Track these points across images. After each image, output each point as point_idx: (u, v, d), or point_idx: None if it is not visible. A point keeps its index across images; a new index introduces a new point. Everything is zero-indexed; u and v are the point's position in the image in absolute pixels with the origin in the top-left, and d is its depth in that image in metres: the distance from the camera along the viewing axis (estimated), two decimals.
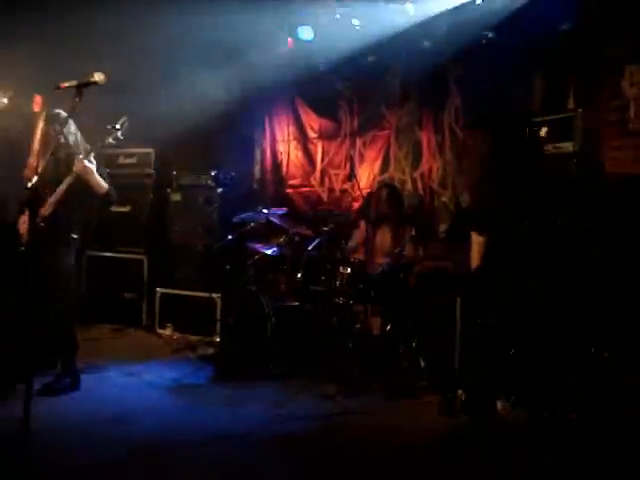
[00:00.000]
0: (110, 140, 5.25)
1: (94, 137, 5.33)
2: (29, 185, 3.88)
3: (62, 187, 5.14)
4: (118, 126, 5.26)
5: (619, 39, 5.76)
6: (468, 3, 6.49)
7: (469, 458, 4.10)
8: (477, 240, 4.21)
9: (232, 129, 8.68)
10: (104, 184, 5.36)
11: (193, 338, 7.44)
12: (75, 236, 5.34)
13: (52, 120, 5.24)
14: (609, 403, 4.35)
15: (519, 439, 4.29)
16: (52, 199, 5.12)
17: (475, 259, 4.22)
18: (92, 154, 5.18)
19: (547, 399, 4.28)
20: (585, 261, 4.29)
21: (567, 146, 5.16)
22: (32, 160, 5.26)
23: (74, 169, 5.13)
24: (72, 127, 5.31)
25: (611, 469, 3.86)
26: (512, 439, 4.31)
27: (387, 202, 6.70)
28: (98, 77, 4.04)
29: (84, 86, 3.98)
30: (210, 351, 6.90)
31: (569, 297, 4.40)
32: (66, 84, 4.02)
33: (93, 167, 5.20)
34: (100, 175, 5.33)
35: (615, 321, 4.70)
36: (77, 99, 3.95)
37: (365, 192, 7.44)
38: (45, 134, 5.25)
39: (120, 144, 8.08)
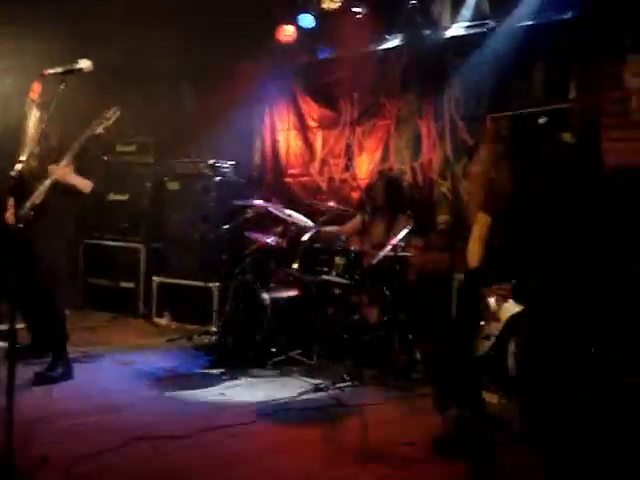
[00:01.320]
0: (100, 130, 5.17)
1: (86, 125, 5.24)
2: (13, 173, 3.82)
3: (41, 190, 5.07)
4: (109, 115, 5.19)
5: (622, 29, 5.67)
6: None
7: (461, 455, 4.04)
8: (481, 222, 4.14)
9: (232, 118, 8.62)
10: (85, 184, 5.28)
11: (190, 327, 7.39)
12: (65, 227, 5.30)
13: (44, 106, 5.17)
14: (609, 403, 4.29)
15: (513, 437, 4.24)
16: (34, 199, 5.06)
17: (474, 247, 4.14)
18: (68, 157, 5.09)
19: (547, 399, 4.22)
20: (585, 257, 4.22)
21: (566, 137, 5.08)
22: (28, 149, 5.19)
23: (53, 175, 5.07)
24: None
25: (610, 469, 3.81)
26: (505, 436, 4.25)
27: (384, 194, 6.65)
28: (84, 64, 3.96)
29: (70, 72, 3.90)
30: (206, 340, 6.84)
31: (568, 295, 4.35)
32: (51, 71, 3.92)
33: (68, 169, 5.12)
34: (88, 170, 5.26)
35: (614, 320, 4.64)
36: (62, 86, 3.87)
37: (363, 182, 7.39)
38: (39, 120, 5.18)
39: (119, 132, 8.21)
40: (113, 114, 5.21)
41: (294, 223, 6.63)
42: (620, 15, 5.58)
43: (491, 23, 6.65)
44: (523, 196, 3.93)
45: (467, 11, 6.82)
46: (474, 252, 4.12)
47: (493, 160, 4.06)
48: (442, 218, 7.13)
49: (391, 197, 6.68)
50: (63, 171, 5.09)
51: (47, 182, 5.08)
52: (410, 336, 6.03)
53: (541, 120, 4.54)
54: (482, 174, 5.77)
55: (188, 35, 7.86)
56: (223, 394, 5.22)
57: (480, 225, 4.14)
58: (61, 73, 3.91)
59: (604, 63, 5.86)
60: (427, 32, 7.21)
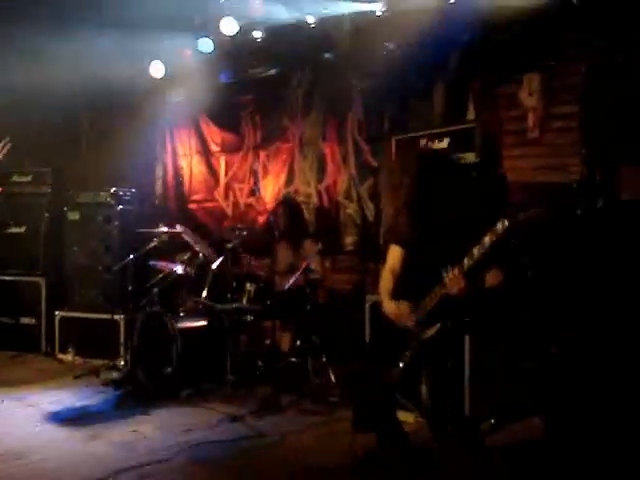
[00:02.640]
0: None
1: None
2: None
3: None
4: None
5: (517, 48, 5.86)
6: (369, 13, 6.47)
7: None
8: (393, 253, 4.16)
9: (132, 144, 8.45)
10: None
11: (96, 362, 7.12)
12: None
13: None
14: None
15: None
16: None
17: (386, 277, 4.16)
18: None
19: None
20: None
21: (469, 156, 5.19)
22: None
23: None
24: None
25: None
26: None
27: (285, 218, 6.64)
28: None
29: None
30: (114, 375, 6.62)
31: None
32: None
33: None
34: None
35: None
36: None
37: (269, 205, 7.36)
38: None
39: (14, 162, 7.91)
40: (3, 147, 5.00)
41: (201, 251, 6.52)
42: (516, 37, 5.75)
43: (391, 46, 6.74)
44: (426, 229, 3.98)
45: None
46: (386, 283, 4.14)
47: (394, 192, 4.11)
48: (349, 239, 7.17)
49: (293, 221, 6.67)
50: None
51: None
52: (324, 359, 6.02)
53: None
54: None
55: (84, 61, 7.65)
56: (135, 431, 5.04)
57: (392, 255, 4.17)
58: None
59: (501, 83, 6.04)
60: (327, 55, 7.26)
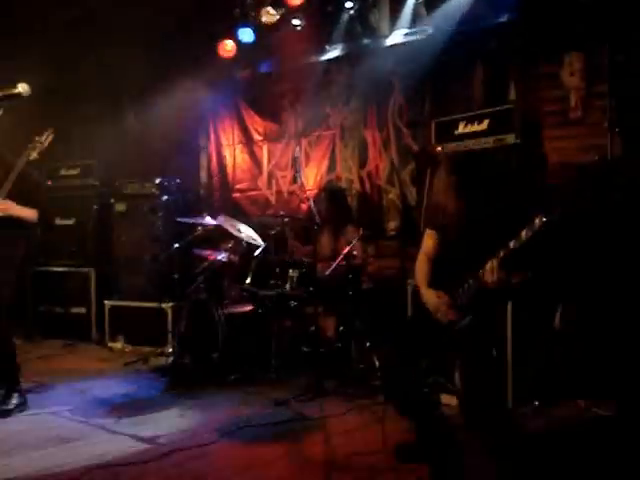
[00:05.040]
0: (35, 155, 5.06)
1: (21, 150, 5.12)
2: None
3: None
4: (43, 139, 5.08)
5: (558, 27, 5.78)
6: None
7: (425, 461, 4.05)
8: (429, 238, 4.15)
9: (176, 135, 8.57)
10: (30, 213, 5.17)
11: (145, 350, 7.28)
12: (12, 253, 5.18)
13: None
14: None
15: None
16: None
17: (421, 262, 4.15)
18: (5, 189, 4.98)
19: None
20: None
21: (509, 137, 5.15)
22: None
23: None
24: None
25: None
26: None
27: (327, 204, 6.67)
28: (22, 88, 3.88)
29: (6, 98, 3.80)
30: (163, 362, 6.75)
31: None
32: None
33: (8, 203, 5.02)
34: (32, 197, 5.16)
35: None
36: (0, 112, 3.77)
37: (312, 193, 7.39)
38: None
39: (62, 156, 8.09)
40: (46, 137, 5.10)
41: (245, 238, 6.58)
42: (555, 16, 5.68)
43: (430, 29, 6.71)
44: (468, 213, 3.95)
45: (405, 18, 6.88)
46: (421, 269, 4.12)
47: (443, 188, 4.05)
48: (392, 225, 7.18)
49: (336, 208, 6.70)
50: (3, 206, 4.98)
51: None
52: (367, 344, 6.04)
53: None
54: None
55: (128, 53, 7.77)
56: (183, 415, 5.14)
57: (428, 240, 4.15)
58: None
59: (542, 64, 5.97)
60: (367, 41, 7.26)
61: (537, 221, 3.37)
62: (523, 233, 3.43)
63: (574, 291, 4.97)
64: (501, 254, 3.55)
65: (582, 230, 4.66)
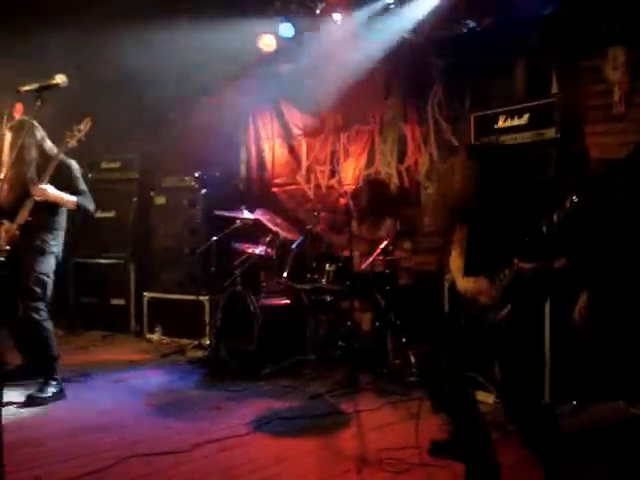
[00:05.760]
0: (73, 143, 5.13)
1: (59, 140, 5.19)
2: None
3: (24, 211, 5.03)
4: (81, 127, 5.14)
5: (602, 21, 5.68)
6: None
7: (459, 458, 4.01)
8: (460, 231, 4.10)
9: (216, 129, 8.60)
10: (70, 199, 5.23)
11: (182, 341, 7.35)
12: (52, 243, 5.25)
13: (17, 128, 5.14)
14: None
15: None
16: (19, 219, 5.02)
17: (455, 257, 4.10)
18: (46, 175, 5.05)
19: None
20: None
21: (549, 132, 5.06)
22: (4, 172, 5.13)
23: (33, 195, 5.03)
24: (39, 133, 5.21)
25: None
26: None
27: (368, 198, 6.65)
28: (60, 79, 3.93)
29: (45, 89, 3.86)
30: (200, 354, 6.80)
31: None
32: (27, 87, 3.88)
33: (49, 188, 5.08)
34: (72, 187, 5.22)
35: None
36: (39, 103, 3.82)
37: (350, 188, 7.37)
38: (12, 143, 5.12)
39: (104, 149, 8.17)
40: (85, 126, 5.16)
41: (282, 232, 6.59)
42: (598, 9, 5.57)
43: (470, 23, 6.63)
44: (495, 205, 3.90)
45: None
46: (455, 261, 4.08)
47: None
48: (429, 220, 7.12)
49: (375, 201, 6.67)
50: (42, 190, 5.05)
51: (29, 202, 5.04)
52: (404, 340, 6.01)
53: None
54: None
55: (170, 47, 7.81)
56: (218, 407, 5.16)
57: (459, 233, 4.10)
58: (37, 90, 3.87)
59: (585, 57, 5.87)
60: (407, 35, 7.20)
61: (568, 202, 3.32)
62: (554, 216, 3.38)
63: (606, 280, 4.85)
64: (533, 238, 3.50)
65: (615, 217, 4.57)
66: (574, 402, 4.80)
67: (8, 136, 5.16)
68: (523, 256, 3.53)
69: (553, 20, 5.94)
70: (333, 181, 7.97)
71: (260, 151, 8.85)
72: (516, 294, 3.69)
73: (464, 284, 3.91)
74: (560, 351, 4.79)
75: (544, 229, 3.42)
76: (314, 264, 6.30)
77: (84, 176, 5.55)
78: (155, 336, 7.71)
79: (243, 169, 9.05)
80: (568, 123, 5.17)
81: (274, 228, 6.57)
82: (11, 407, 4.91)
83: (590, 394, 4.81)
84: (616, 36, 5.61)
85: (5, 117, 5.26)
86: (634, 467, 3.80)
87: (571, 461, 3.82)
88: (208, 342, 6.86)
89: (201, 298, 7.33)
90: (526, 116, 5.25)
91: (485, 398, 4.84)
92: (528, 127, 5.20)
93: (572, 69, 5.94)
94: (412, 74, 7.31)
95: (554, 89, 5.98)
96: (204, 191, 7.68)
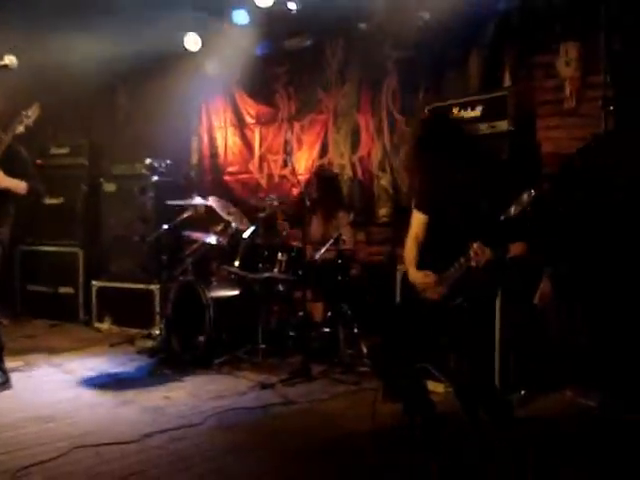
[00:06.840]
0: (21, 129, 5.00)
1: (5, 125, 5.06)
2: None
3: None
4: (29, 113, 5.02)
5: (554, 17, 5.75)
6: None
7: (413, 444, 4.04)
8: (416, 220, 4.13)
9: (168, 116, 8.49)
10: (21, 184, 5.10)
11: (132, 331, 7.27)
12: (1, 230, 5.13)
13: None
14: None
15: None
16: None
17: (410, 245, 4.13)
18: None
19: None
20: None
21: (502, 124, 5.11)
22: None
23: None
24: None
25: None
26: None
27: (318, 189, 6.64)
28: (9, 60, 3.82)
29: None
30: (149, 344, 6.72)
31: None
32: None
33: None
34: (22, 171, 5.09)
35: None
36: None
37: (303, 178, 7.36)
38: None
39: (53, 134, 8.01)
40: (33, 111, 5.04)
41: (234, 221, 6.53)
42: (552, 5, 5.64)
43: (426, 16, 6.65)
44: (447, 190, 3.94)
45: None
46: (409, 251, 4.11)
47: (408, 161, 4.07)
48: (383, 211, 7.14)
49: (327, 193, 6.67)
50: None
51: None
52: (355, 330, 6.03)
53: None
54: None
55: (120, 33, 7.67)
56: (168, 397, 5.11)
57: (415, 222, 4.14)
58: None
59: (537, 53, 5.94)
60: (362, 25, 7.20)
61: (525, 196, 3.37)
62: (512, 209, 3.43)
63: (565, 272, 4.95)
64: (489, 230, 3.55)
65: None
66: (522, 392, 4.88)
67: None
68: (481, 240, 3.58)
69: (507, 14, 6.00)
70: (286, 171, 7.95)
71: (212, 139, 8.78)
72: (469, 287, 3.74)
73: (415, 276, 3.96)
74: (510, 338, 4.86)
75: (502, 218, 3.47)
76: (266, 253, 6.26)
77: (31, 161, 5.42)
78: (104, 325, 7.62)
79: (195, 157, 8.96)
80: (521, 117, 5.22)
81: (226, 217, 6.51)
82: None
83: (538, 382, 4.90)
84: (569, 31, 5.69)
85: None
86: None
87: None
88: (158, 332, 6.78)
89: (151, 287, 7.25)
90: (479, 108, 5.28)
91: (435, 387, 4.88)
92: (482, 119, 5.23)
93: (525, 64, 6.01)
94: (366, 64, 7.31)
95: (507, 83, 6.05)
96: (155, 179, 7.56)
